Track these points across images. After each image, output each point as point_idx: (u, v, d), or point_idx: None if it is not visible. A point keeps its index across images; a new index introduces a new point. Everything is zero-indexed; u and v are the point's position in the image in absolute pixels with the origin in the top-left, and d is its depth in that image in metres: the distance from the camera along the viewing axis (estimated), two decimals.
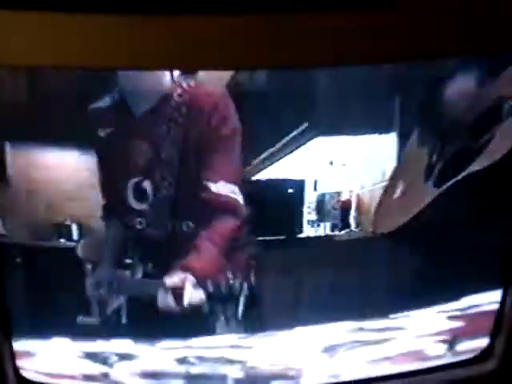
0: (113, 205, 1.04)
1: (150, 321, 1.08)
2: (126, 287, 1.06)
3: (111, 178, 1.03)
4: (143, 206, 1.03)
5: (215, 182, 1.02)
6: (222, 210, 1.03)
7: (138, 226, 1.04)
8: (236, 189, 1.03)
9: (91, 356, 1.08)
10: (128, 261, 1.05)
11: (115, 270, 1.06)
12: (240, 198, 1.03)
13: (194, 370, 1.09)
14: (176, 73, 1.00)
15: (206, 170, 1.02)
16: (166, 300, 1.04)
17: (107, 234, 1.06)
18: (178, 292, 1.04)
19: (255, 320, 1.10)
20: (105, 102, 1.00)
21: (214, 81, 0.99)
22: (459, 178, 1.04)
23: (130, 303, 1.07)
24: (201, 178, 1.02)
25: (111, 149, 1.02)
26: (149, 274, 1.05)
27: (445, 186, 1.05)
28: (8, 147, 0.98)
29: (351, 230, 1.08)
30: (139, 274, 1.05)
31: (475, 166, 1.04)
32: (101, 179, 1.03)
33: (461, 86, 0.99)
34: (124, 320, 1.07)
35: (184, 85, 1.00)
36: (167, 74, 1.00)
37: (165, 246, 1.05)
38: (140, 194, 1.02)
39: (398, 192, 1.05)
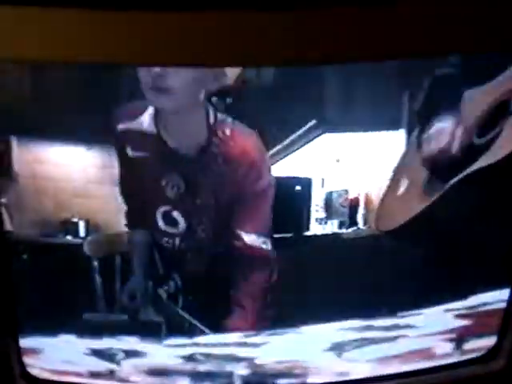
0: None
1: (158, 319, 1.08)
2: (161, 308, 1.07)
3: (139, 201, 1.04)
4: (175, 231, 1.04)
5: (248, 232, 1.04)
6: (255, 262, 1.05)
7: (169, 245, 1.05)
8: (268, 240, 1.04)
9: (98, 353, 1.08)
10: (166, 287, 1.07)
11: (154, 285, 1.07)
12: (271, 250, 1.04)
13: (201, 367, 1.09)
14: (212, 117, 1.00)
15: (239, 220, 1.04)
16: None
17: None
18: None
19: (263, 318, 1.10)
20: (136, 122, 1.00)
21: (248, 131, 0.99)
22: (466, 175, 1.04)
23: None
24: (234, 228, 1.04)
25: (138, 169, 1.02)
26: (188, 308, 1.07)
27: (452, 183, 1.04)
28: (15, 143, 0.98)
29: (359, 228, 1.07)
30: (179, 304, 1.07)
31: (481, 163, 1.03)
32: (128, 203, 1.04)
33: (466, 83, 0.99)
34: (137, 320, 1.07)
35: (221, 132, 1.00)
36: (207, 115, 1.00)
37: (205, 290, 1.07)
38: (171, 222, 1.04)
39: (404, 189, 1.04)
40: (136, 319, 1.06)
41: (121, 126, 1.00)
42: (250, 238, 1.04)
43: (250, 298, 1.07)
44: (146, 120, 0.99)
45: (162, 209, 1.03)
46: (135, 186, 1.03)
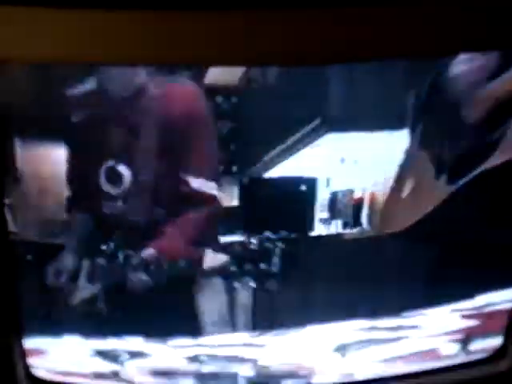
0: (86, 190, 1.04)
1: (161, 318, 1.08)
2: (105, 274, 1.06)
3: (84, 162, 1.02)
4: (118, 191, 1.03)
5: (195, 177, 1.03)
6: (197, 203, 1.04)
7: (112, 211, 1.04)
8: (214, 184, 1.04)
9: (102, 354, 1.08)
10: (105, 247, 1.05)
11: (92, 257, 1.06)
12: (218, 193, 1.04)
13: (206, 368, 1.09)
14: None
15: (184, 165, 1.04)
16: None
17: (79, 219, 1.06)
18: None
19: (267, 318, 1.10)
20: (82, 87, 0.99)
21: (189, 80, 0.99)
22: (472, 175, 1.03)
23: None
24: (179, 171, 1.04)
25: (85, 131, 1.01)
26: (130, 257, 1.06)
27: (457, 184, 1.04)
28: (18, 144, 0.98)
29: (363, 228, 1.07)
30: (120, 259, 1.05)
31: (489, 164, 1.03)
32: (73, 165, 1.02)
33: (474, 81, 0.99)
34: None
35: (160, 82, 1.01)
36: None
37: (140, 230, 1.05)
38: (114, 179, 1.03)
39: (410, 189, 1.04)
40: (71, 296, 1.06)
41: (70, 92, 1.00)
42: (197, 183, 1.04)
43: (181, 233, 1.06)
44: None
45: (106, 165, 1.02)
46: (80, 153, 1.02)
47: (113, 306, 1.06)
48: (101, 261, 1.05)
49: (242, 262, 1.07)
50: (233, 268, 1.07)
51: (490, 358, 1.11)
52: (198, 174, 1.04)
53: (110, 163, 1.02)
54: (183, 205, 1.05)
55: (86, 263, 1.06)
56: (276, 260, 1.07)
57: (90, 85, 0.98)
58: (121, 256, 1.05)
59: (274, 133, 1.01)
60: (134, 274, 1.06)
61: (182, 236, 1.06)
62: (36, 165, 1.01)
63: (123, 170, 1.02)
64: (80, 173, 1.03)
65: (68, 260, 1.05)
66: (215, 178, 1.04)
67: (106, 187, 1.03)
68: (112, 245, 1.05)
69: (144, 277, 1.06)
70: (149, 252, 1.05)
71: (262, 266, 1.07)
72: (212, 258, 1.07)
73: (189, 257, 1.07)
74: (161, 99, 1.01)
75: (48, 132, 1.00)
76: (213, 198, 1.04)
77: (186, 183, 1.04)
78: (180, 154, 1.03)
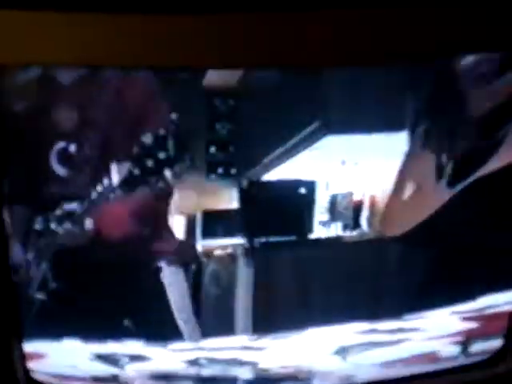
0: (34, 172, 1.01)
1: (160, 322, 1.07)
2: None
3: (33, 145, 0.99)
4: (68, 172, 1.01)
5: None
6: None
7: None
8: None
9: (102, 357, 1.08)
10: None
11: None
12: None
13: (205, 371, 1.09)
14: None
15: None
16: None
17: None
18: None
19: (267, 321, 1.10)
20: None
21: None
22: (472, 178, 1.04)
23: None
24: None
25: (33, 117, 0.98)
26: None
27: (457, 187, 1.04)
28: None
29: (363, 231, 1.07)
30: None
31: (489, 167, 1.03)
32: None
33: (473, 84, 0.99)
34: None
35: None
36: None
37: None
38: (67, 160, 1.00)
39: (410, 192, 1.04)
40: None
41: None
42: None
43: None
44: None
45: (57, 147, 1.00)
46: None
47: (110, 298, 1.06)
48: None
49: (240, 261, 1.07)
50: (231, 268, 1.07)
51: (491, 361, 1.11)
52: None
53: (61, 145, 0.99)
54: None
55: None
56: (276, 261, 1.07)
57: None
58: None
59: (273, 135, 1.01)
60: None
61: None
62: None
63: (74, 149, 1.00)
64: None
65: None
66: None
67: (56, 168, 1.00)
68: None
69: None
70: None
71: (261, 267, 1.07)
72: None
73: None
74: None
75: None
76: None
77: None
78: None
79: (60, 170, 1.01)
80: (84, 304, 1.05)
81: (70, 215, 1.03)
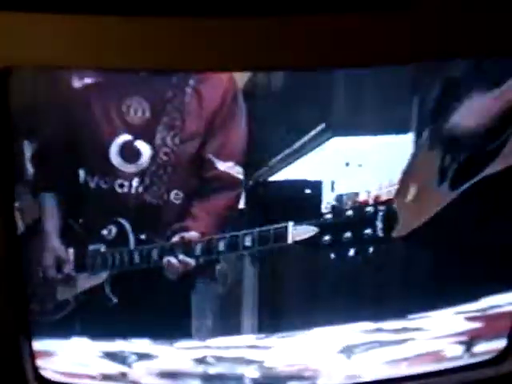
0: (96, 164, 1.01)
1: (168, 320, 1.08)
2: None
3: (96, 135, 0.99)
4: (133, 169, 1.01)
5: (222, 160, 1.02)
6: (222, 186, 1.04)
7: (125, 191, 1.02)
8: (241, 168, 1.03)
9: (110, 355, 1.08)
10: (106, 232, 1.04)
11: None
12: (243, 177, 1.03)
13: (212, 369, 1.09)
14: None
15: (212, 147, 1.02)
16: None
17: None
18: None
19: (273, 320, 1.10)
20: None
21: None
22: (475, 180, 1.04)
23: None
24: (206, 155, 1.02)
25: (100, 102, 0.98)
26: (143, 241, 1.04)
27: (460, 188, 1.05)
28: (28, 148, 0.99)
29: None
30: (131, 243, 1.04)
31: (490, 169, 1.04)
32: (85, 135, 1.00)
33: (476, 87, 0.99)
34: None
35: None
36: None
37: (157, 212, 1.04)
38: (131, 155, 1.00)
39: (413, 194, 1.05)
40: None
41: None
42: (224, 166, 1.02)
43: (207, 212, 1.05)
44: None
45: (120, 140, 0.99)
46: (87, 124, 0.99)
47: (120, 297, 1.06)
48: (109, 247, 1.04)
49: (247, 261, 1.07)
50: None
51: (495, 360, 1.11)
52: (227, 158, 1.03)
53: (127, 138, 0.99)
54: (205, 188, 1.04)
55: (92, 249, 1.04)
56: (281, 261, 1.08)
57: None
58: (132, 241, 1.04)
59: (279, 137, 1.02)
60: (150, 260, 1.04)
61: (207, 220, 1.04)
62: None
63: (142, 146, 0.99)
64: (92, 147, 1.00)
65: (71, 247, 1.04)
66: (243, 162, 1.03)
67: (120, 164, 1.00)
68: (126, 228, 1.03)
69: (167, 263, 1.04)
70: (175, 238, 1.04)
71: (267, 266, 1.08)
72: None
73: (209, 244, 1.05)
74: (195, 82, 0.99)
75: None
76: (239, 183, 1.03)
77: (213, 165, 1.02)
78: (210, 135, 1.01)
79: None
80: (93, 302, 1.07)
81: None
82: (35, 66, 0.90)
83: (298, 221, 1.05)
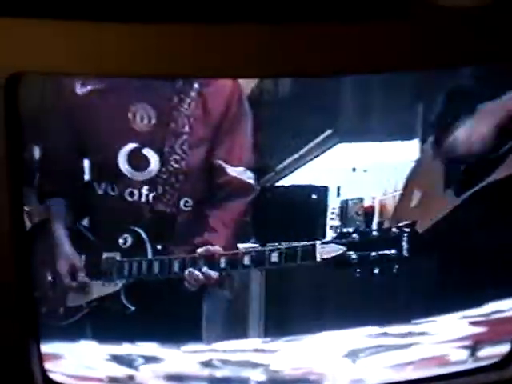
0: (105, 172, 1.01)
1: (175, 324, 1.09)
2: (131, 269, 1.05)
3: (104, 142, 0.99)
4: (140, 177, 1.01)
5: (233, 165, 1.02)
6: (234, 193, 1.03)
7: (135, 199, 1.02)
8: (252, 173, 1.03)
9: (117, 359, 1.09)
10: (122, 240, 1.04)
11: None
12: (254, 181, 1.03)
13: (218, 373, 1.10)
14: None
15: (221, 152, 1.02)
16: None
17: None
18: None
19: (278, 324, 1.11)
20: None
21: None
22: (480, 186, 1.04)
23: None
24: (216, 160, 1.02)
25: (107, 110, 0.98)
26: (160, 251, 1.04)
27: (465, 194, 1.05)
28: (39, 153, 1.00)
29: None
30: (149, 252, 1.04)
31: (495, 176, 1.04)
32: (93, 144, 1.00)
33: (480, 96, 1.00)
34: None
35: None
36: None
37: (170, 221, 1.04)
38: (139, 163, 1.00)
39: (418, 199, 1.05)
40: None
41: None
42: (234, 171, 1.02)
43: (222, 224, 1.04)
44: None
45: (128, 148, 0.99)
46: (94, 131, 0.99)
47: (134, 304, 1.07)
48: (125, 255, 1.04)
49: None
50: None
51: (498, 365, 1.12)
52: (237, 163, 1.02)
53: (135, 145, 0.98)
54: (217, 196, 1.04)
55: (107, 257, 1.04)
56: (288, 266, 1.08)
57: None
58: (150, 250, 1.04)
59: (286, 143, 1.03)
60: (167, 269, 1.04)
61: (224, 231, 1.04)
62: None
63: (150, 154, 0.99)
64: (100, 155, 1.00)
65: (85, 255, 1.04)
66: (253, 167, 1.03)
67: (129, 172, 0.99)
68: (142, 237, 1.03)
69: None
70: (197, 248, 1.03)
71: (273, 271, 1.08)
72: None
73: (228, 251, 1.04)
74: (200, 87, 0.99)
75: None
76: (251, 188, 1.03)
77: (224, 171, 1.02)
78: (218, 141, 1.01)
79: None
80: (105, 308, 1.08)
81: None
82: (43, 72, 0.91)
83: (304, 226, 1.05)
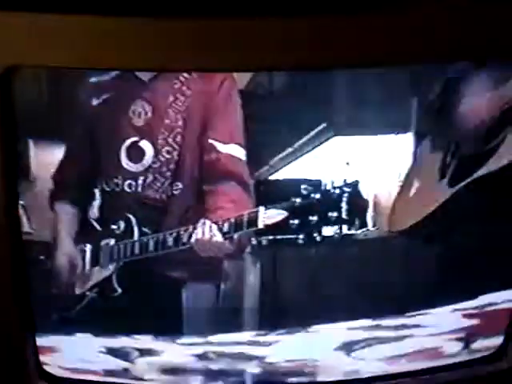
0: (104, 166, 1.04)
1: (171, 316, 1.09)
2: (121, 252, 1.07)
3: (105, 138, 1.03)
4: (139, 168, 1.04)
5: (222, 143, 1.04)
6: (227, 174, 1.05)
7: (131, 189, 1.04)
8: (242, 150, 1.04)
9: (113, 351, 1.09)
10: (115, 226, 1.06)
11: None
12: (245, 165, 1.04)
13: (213, 365, 1.10)
14: None
15: (211, 132, 1.04)
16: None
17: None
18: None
19: (273, 317, 1.12)
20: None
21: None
22: (473, 178, 1.05)
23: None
24: (206, 140, 1.04)
25: (107, 109, 1.02)
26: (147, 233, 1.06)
27: (459, 186, 1.06)
28: (33, 146, 1.00)
29: (368, 229, 1.08)
30: (135, 234, 1.06)
31: (488, 168, 1.05)
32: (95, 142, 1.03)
33: (474, 89, 1.00)
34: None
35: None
36: None
37: (164, 208, 1.06)
38: (136, 155, 1.03)
39: (413, 191, 1.06)
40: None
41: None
42: (224, 148, 1.04)
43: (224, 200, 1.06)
44: None
45: (128, 142, 1.02)
46: (99, 133, 1.03)
47: (125, 290, 1.08)
48: (120, 242, 1.06)
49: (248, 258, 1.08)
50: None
51: (492, 357, 1.12)
52: (228, 140, 1.04)
53: (132, 139, 1.02)
54: (211, 177, 1.05)
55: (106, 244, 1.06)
56: (282, 259, 1.09)
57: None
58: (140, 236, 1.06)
59: (281, 136, 1.03)
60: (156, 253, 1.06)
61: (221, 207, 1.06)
62: (49, 167, 1.02)
63: (146, 146, 1.02)
64: (100, 152, 1.03)
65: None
66: (243, 143, 1.04)
67: (128, 164, 1.03)
68: (133, 224, 1.05)
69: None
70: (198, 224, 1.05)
71: (268, 264, 1.09)
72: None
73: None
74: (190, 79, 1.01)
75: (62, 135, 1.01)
76: (242, 165, 1.04)
77: (215, 149, 1.04)
78: (208, 121, 1.03)
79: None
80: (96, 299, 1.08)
81: None
82: (39, 66, 0.91)
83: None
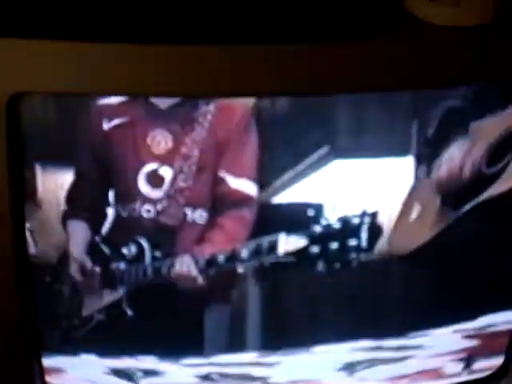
0: (120, 191, 1.04)
1: (174, 337, 1.10)
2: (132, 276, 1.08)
3: (123, 163, 1.03)
4: (156, 194, 1.04)
5: (234, 176, 1.05)
6: (237, 204, 1.05)
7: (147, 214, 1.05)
8: (254, 185, 1.05)
9: (117, 372, 1.11)
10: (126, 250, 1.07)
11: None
12: (256, 194, 1.05)
13: None
14: None
15: (224, 164, 1.04)
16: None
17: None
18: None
19: (276, 338, 1.12)
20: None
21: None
22: (475, 202, 1.06)
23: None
24: (219, 172, 1.05)
25: (124, 136, 1.02)
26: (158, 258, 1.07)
27: (461, 210, 1.06)
28: (40, 170, 1.01)
29: (370, 252, 1.09)
30: (147, 259, 1.07)
31: (491, 192, 1.06)
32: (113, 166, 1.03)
33: (476, 114, 1.01)
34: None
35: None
36: None
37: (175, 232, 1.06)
38: (155, 181, 1.04)
39: (415, 214, 1.06)
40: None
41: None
42: (236, 183, 1.04)
43: (225, 230, 1.07)
44: None
45: (147, 168, 1.03)
46: (116, 160, 1.03)
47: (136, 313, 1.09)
48: (128, 266, 1.07)
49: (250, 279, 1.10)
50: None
51: (492, 377, 1.13)
52: (239, 175, 1.04)
53: (153, 166, 1.02)
54: (219, 207, 1.06)
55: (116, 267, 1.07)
56: (284, 280, 1.09)
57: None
58: (150, 260, 1.07)
59: (282, 159, 1.03)
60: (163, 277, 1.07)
61: (224, 237, 1.07)
62: (55, 189, 1.03)
63: (165, 172, 1.03)
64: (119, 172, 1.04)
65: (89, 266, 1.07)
66: (255, 179, 1.04)
67: (146, 190, 1.04)
68: (144, 249, 1.06)
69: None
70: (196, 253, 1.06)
71: (270, 285, 1.10)
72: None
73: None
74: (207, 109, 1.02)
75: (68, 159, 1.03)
76: (252, 200, 1.05)
77: (225, 183, 1.04)
78: (221, 154, 1.04)
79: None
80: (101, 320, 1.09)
81: None
82: (44, 92, 0.93)
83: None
